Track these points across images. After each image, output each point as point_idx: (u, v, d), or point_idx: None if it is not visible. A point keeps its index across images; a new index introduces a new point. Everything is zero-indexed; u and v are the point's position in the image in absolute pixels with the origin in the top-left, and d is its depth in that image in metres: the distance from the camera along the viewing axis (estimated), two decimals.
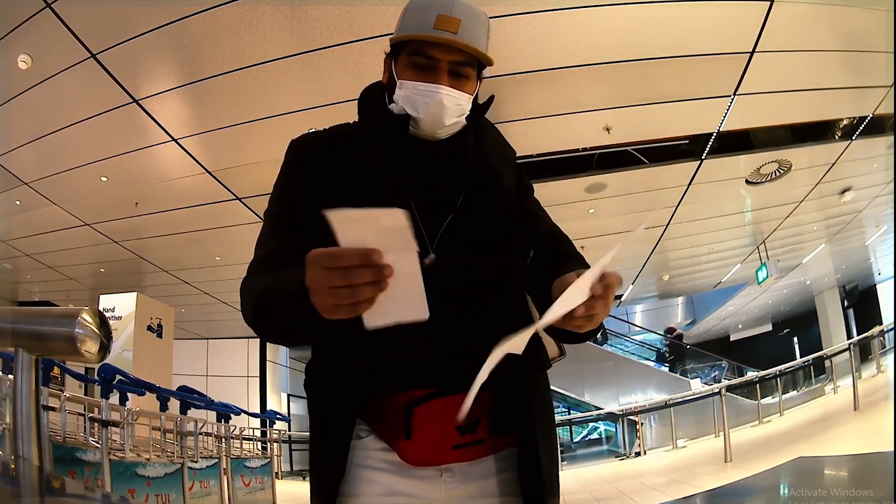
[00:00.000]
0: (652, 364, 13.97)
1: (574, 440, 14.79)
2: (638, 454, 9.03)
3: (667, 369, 13.03)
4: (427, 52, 0.90)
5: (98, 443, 3.77)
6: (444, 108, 0.90)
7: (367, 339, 0.71)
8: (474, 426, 0.89)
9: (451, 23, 0.88)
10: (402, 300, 0.67)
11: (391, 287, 0.65)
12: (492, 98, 0.98)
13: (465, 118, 0.95)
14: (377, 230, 0.63)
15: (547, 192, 5.81)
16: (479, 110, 0.97)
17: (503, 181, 0.99)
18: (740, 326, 17.39)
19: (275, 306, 0.79)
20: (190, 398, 5.54)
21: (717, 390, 7.66)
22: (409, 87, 0.91)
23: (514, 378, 0.89)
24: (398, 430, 0.88)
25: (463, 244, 0.91)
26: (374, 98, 1.00)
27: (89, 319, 0.78)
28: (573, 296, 0.73)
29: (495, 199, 0.96)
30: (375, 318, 0.68)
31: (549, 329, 0.82)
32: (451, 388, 0.85)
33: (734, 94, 4.72)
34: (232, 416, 6.31)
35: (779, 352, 14.73)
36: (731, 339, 18.23)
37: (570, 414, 12.41)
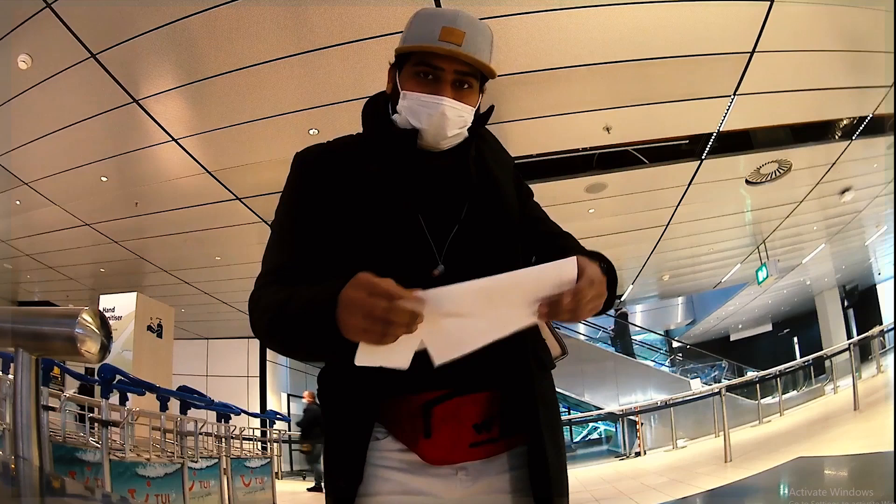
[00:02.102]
0: (652, 364, 13.96)
1: (574, 440, 14.80)
2: (638, 454, 9.02)
3: (613, 350, 13.09)
4: (432, 63, 0.92)
5: (98, 443, 3.77)
6: (446, 119, 0.92)
7: None
8: (490, 424, 0.91)
9: (456, 35, 0.90)
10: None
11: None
12: (491, 108, 1.01)
13: (467, 129, 0.96)
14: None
15: (547, 192, 5.81)
16: (479, 120, 0.99)
17: (504, 190, 1.02)
18: (740, 326, 17.41)
19: (296, 316, 0.81)
20: (190, 398, 5.55)
21: (717, 390, 7.66)
22: (413, 97, 0.93)
23: (519, 380, 0.92)
24: (416, 431, 0.90)
25: (470, 253, 0.93)
26: (378, 110, 1.01)
27: (89, 319, 0.78)
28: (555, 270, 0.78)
29: (498, 208, 0.98)
30: (369, 356, 0.73)
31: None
32: (463, 389, 0.89)
33: (734, 94, 4.72)
34: (232, 416, 6.31)
35: (779, 352, 14.76)
36: (731, 339, 18.26)
37: (570, 414, 12.40)
